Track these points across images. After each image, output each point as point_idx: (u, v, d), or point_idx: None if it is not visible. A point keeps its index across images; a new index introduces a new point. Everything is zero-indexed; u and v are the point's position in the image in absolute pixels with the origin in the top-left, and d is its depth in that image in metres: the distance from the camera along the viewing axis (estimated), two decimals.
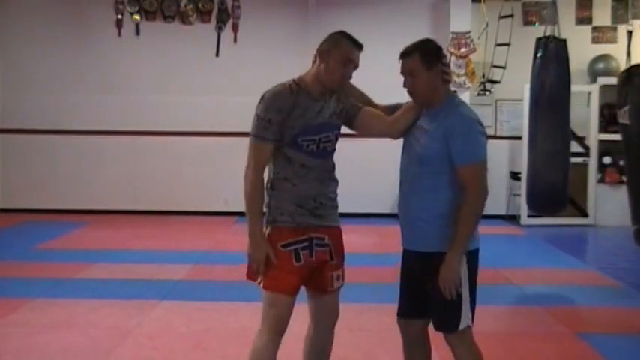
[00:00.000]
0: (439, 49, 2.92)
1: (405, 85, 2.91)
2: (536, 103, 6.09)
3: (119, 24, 9.51)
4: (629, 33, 5.68)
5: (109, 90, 9.66)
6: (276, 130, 2.84)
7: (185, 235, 8.34)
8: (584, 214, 9.34)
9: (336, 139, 2.98)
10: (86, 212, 9.53)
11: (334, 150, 3.00)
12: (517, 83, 8.65)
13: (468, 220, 2.78)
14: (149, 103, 9.67)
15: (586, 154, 9.31)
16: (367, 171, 9.30)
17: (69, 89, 9.67)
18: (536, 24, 9.25)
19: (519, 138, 9.00)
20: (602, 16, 9.66)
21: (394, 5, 9.65)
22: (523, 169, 7.81)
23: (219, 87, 9.52)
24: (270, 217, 2.92)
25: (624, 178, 5.29)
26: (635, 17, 9.26)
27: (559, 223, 8.93)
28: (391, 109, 3.05)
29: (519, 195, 9.04)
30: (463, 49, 9.14)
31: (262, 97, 2.88)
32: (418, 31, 9.25)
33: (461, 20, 9.18)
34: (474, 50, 9.09)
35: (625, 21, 9.26)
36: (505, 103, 9.70)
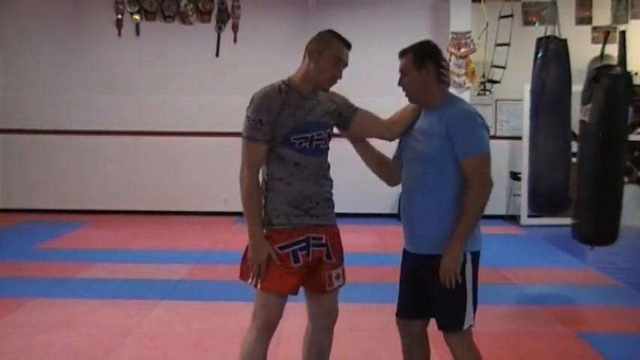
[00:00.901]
0: (435, 51, 2.94)
1: (399, 84, 2.95)
2: (536, 103, 6.08)
3: (119, 24, 9.51)
4: (622, 33, 5.70)
5: (109, 90, 9.66)
6: (268, 131, 2.85)
7: (185, 235, 8.34)
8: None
9: (329, 138, 2.99)
10: (86, 212, 9.53)
11: (328, 149, 3.00)
12: (517, 83, 8.66)
13: (471, 210, 2.79)
14: (149, 103, 9.68)
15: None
16: (367, 171, 9.25)
17: (69, 89, 9.68)
18: (536, 24, 9.25)
19: (519, 138, 9.01)
20: (602, 16, 9.66)
21: (394, 5, 9.66)
22: (523, 169, 7.82)
23: (219, 87, 9.53)
24: (266, 220, 2.92)
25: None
26: (634, 17, 9.26)
27: (559, 223, 8.88)
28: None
29: (519, 195, 9.04)
30: (463, 49, 9.14)
31: (252, 99, 2.90)
32: (418, 31, 9.27)
33: (461, 20, 9.19)
34: (474, 50, 9.10)
35: (625, 21, 9.26)
36: (505, 103, 9.71)
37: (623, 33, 5.73)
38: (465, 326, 2.85)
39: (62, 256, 7.02)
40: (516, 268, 6.72)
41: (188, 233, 8.48)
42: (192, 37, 9.57)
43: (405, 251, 3.01)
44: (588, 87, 5.39)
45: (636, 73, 7.16)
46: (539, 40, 6.11)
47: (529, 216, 8.86)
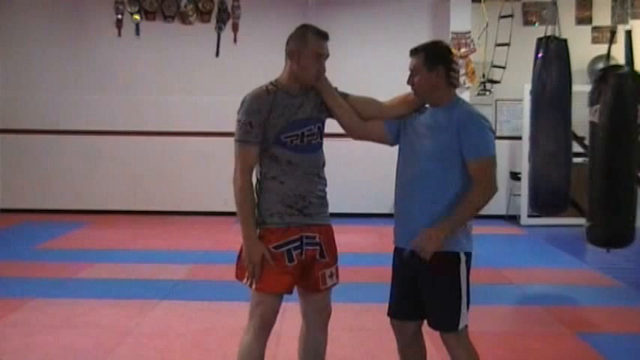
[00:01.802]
0: (447, 53, 2.97)
1: (408, 82, 2.95)
2: (537, 103, 6.08)
3: (119, 24, 9.51)
4: (629, 33, 5.67)
5: (109, 90, 9.66)
6: (259, 132, 2.87)
7: (185, 235, 8.34)
8: (585, 214, 9.31)
9: (320, 133, 2.99)
10: (86, 212, 9.53)
11: (320, 144, 3.00)
12: (517, 83, 8.66)
13: (469, 207, 2.81)
14: (149, 103, 9.68)
15: (586, 155, 9.29)
16: (366, 171, 9.30)
17: (69, 89, 9.68)
18: (537, 24, 9.25)
19: (519, 138, 9.01)
20: (602, 16, 9.66)
21: (394, 5, 9.66)
22: (523, 169, 7.82)
23: (219, 87, 9.52)
24: (260, 219, 2.93)
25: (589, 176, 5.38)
26: (634, 17, 9.25)
27: (559, 223, 8.91)
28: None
29: (519, 195, 9.04)
30: (463, 49, 9.14)
31: (242, 102, 2.92)
32: (418, 31, 9.29)
33: (461, 20, 9.18)
34: (473, 50, 9.09)
35: (625, 21, 9.25)
36: (505, 103, 9.71)
37: (629, 33, 5.69)
38: (461, 326, 2.87)
39: (62, 256, 7.02)
40: (516, 268, 6.72)
41: (188, 233, 8.47)
42: (192, 37, 9.56)
43: (397, 250, 3.00)
44: (596, 87, 5.34)
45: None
46: (540, 40, 6.11)
47: (529, 216, 8.86)
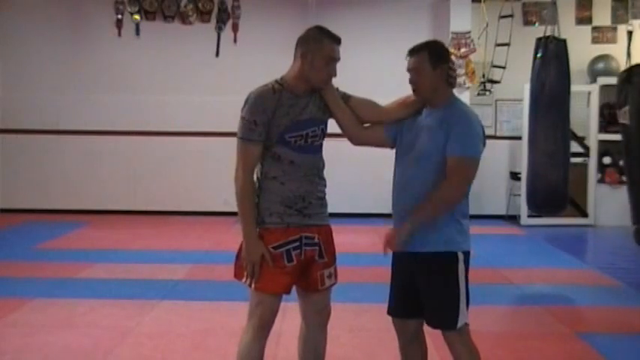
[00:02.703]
0: (447, 52, 2.99)
1: (410, 82, 2.95)
2: (536, 103, 6.09)
3: (119, 24, 9.50)
4: (630, 33, 5.67)
5: (109, 90, 9.66)
6: (263, 131, 2.86)
7: (185, 235, 8.34)
8: (584, 214, 9.34)
9: (323, 134, 2.99)
10: (86, 212, 9.53)
11: (321, 146, 3.01)
12: (517, 83, 8.66)
13: (433, 201, 2.80)
14: (149, 103, 9.68)
15: (586, 154, 9.31)
16: (366, 171, 9.29)
17: (69, 89, 9.68)
18: (536, 24, 9.25)
19: (519, 138, 9.01)
20: (602, 16, 9.67)
21: (394, 5, 9.66)
22: (523, 169, 7.81)
23: (219, 87, 9.52)
24: (259, 218, 2.92)
25: (624, 178, 5.28)
26: (635, 17, 9.26)
27: (559, 223, 8.93)
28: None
29: (519, 195, 9.03)
30: (463, 49, 9.14)
31: (247, 99, 2.91)
32: (418, 30, 9.28)
33: (461, 20, 9.18)
34: (473, 50, 9.09)
35: (625, 21, 9.26)
36: (505, 103, 9.71)
37: (630, 33, 5.65)
38: (459, 324, 2.87)
39: (62, 256, 7.02)
40: (516, 268, 6.71)
41: (188, 233, 8.47)
42: (192, 37, 9.57)
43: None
44: (622, 89, 5.30)
45: None
46: (539, 40, 6.12)
47: (529, 216, 8.86)
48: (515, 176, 9.35)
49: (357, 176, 9.37)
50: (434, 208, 2.82)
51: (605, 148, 9.32)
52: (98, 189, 9.73)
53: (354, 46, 9.77)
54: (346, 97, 3.04)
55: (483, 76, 8.80)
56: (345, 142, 3.15)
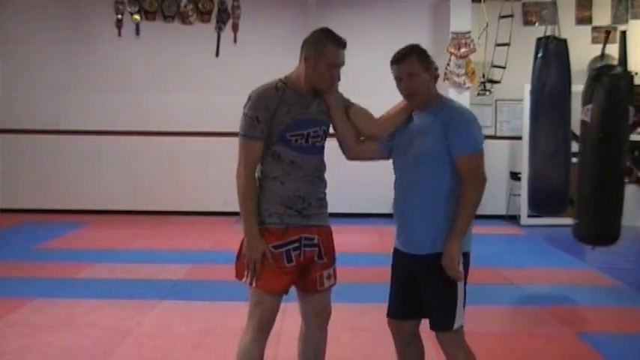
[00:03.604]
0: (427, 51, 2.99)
1: (402, 88, 2.92)
2: (536, 103, 6.09)
3: (119, 24, 9.51)
4: (623, 33, 5.70)
5: (109, 90, 9.66)
6: (265, 128, 2.86)
7: (185, 235, 8.34)
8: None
9: (325, 136, 2.99)
10: (86, 212, 9.53)
11: (323, 147, 3.01)
12: (517, 83, 8.66)
13: (467, 207, 2.81)
14: (149, 103, 9.68)
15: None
16: (366, 171, 9.26)
17: (69, 89, 9.68)
18: (536, 24, 9.26)
19: (519, 138, 9.00)
20: (602, 16, 9.67)
21: (394, 5, 9.66)
22: (523, 169, 7.81)
23: (219, 87, 9.53)
24: (259, 218, 2.92)
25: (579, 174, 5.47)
26: (634, 17, 9.26)
27: (559, 223, 8.90)
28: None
29: (519, 195, 9.03)
30: (463, 49, 9.14)
31: (249, 97, 2.91)
32: (418, 31, 9.30)
33: (461, 20, 9.18)
34: (473, 50, 9.09)
35: (625, 21, 9.26)
36: (505, 103, 9.71)
37: (623, 33, 5.74)
38: (456, 325, 2.87)
39: (62, 256, 7.02)
40: (516, 268, 6.71)
41: (188, 233, 8.47)
42: (192, 37, 9.57)
43: (396, 250, 3.02)
44: (589, 87, 5.39)
45: (636, 73, 7.14)
46: (539, 40, 6.11)
47: (529, 216, 8.85)
48: (515, 176, 9.35)
49: (357, 176, 9.34)
50: (467, 214, 2.82)
51: None
52: (98, 189, 9.73)
53: (354, 46, 9.73)
54: (347, 105, 3.03)
55: (483, 76, 8.80)
56: None
